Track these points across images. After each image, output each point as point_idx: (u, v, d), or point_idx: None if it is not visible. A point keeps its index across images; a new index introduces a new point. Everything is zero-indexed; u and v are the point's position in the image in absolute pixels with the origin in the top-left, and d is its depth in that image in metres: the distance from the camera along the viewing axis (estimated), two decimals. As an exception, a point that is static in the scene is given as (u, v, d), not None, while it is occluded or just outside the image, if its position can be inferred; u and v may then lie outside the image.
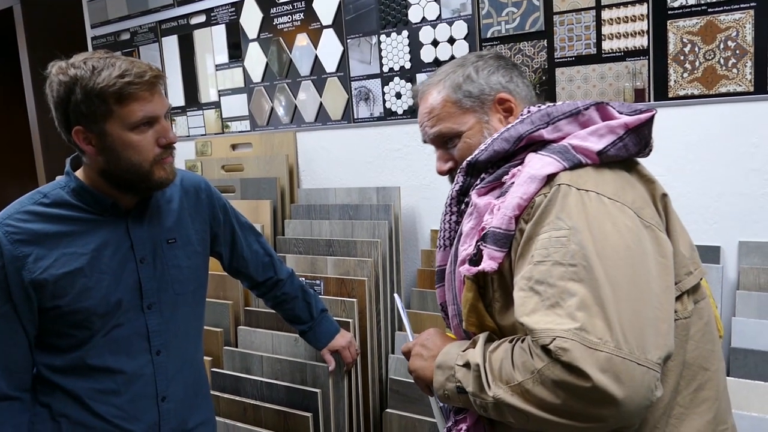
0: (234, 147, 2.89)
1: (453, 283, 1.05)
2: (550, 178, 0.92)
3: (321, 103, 2.58)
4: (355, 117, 2.50)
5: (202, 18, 2.91)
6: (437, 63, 2.27)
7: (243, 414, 2.05)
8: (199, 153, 2.98)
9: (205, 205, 1.56)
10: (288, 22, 2.61)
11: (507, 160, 1.01)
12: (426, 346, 1.09)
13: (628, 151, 0.97)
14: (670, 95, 1.89)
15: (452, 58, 2.23)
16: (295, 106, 2.66)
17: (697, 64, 1.84)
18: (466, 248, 0.99)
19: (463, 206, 1.06)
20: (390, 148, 2.44)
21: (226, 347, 2.26)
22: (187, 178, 1.54)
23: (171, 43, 3.06)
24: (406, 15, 2.31)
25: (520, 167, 0.98)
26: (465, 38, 2.20)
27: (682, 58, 1.86)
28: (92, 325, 1.31)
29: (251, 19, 2.73)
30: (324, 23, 2.51)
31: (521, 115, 1.04)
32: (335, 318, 2.08)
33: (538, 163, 0.94)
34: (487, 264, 0.93)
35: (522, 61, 2.10)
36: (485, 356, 0.92)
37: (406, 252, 2.42)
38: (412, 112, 2.36)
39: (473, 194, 1.01)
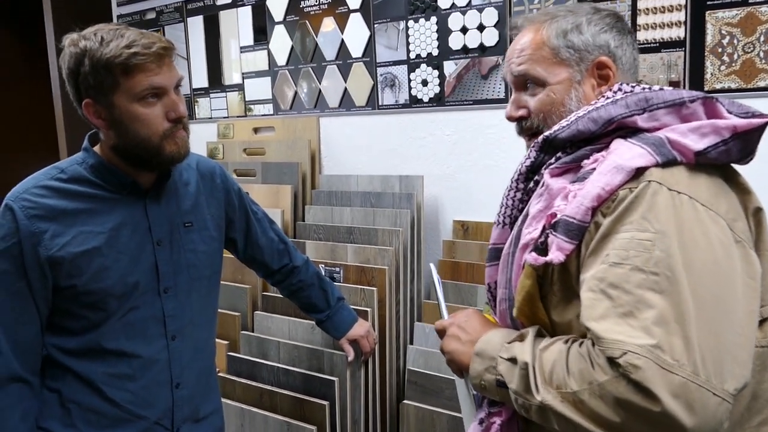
0: (256, 130, 2.87)
1: (509, 266, 0.98)
2: (638, 172, 0.84)
3: (345, 89, 2.55)
4: (380, 103, 2.47)
5: (228, -1, 2.89)
6: (465, 51, 2.22)
7: (259, 399, 2.04)
8: (221, 135, 2.96)
9: (221, 189, 1.53)
10: (315, 5, 2.58)
11: (589, 141, 0.93)
12: (464, 328, 1.03)
13: (730, 157, 0.87)
14: (706, 88, 1.83)
15: (481, 45, 2.19)
16: (320, 90, 2.63)
17: (735, 56, 1.78)
18: (530, 231, 0.91)
19: (531, 184, 0.98)
20: (414, 136, 2.41)
21: (243, 332, 2.25)
22: (203, 162, 1.52)
23: (196, 24, 3.04)
24: (435, 1, 2.26)
25: (604, 153, 0.89)
26: (495, 26, 2.15)
27: (719, 50, 1.80)
28: (108, 307, 1.29)
29: (278, 1, 2.69)
30: (351, 7, 2.47)
31: (613, 91, 0.96)
32: (354, 306, 2.05)
33: (627, 153, 0.85)
34: (555, 255, 0.85)
35: (553, 50, 2.05)
36: (535, 354, 0.86)
37: (427, 242, 2.39)
38: (438, 100, 2.32)
39: (546, 173, 0.93)
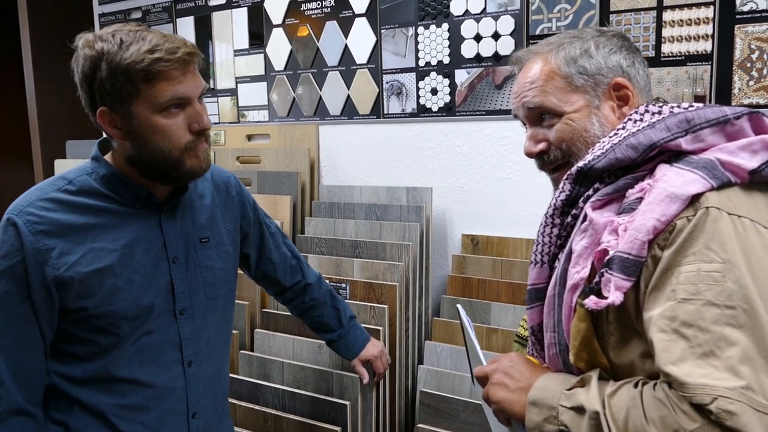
0: (250, 137, 2.74)
1: (555, 308, 0.91)
2: (693, 199, 0.79)
3: (348, 96, 2.45)
4: (386, 112, 2.37)
5: (222, 0, 2.76)
6: (479, 59, 2.15)
7: (263, 425, 1.91)
8: (212, 143, 2.82)
9: (236, 201, 1.43)
10: (317, 8, 2.48)
11: (627, 169, 0.88)
12: (510, 374, 0.96)
13: None
14: (733, 103, 1.79)
15: (496, 54, 2.12)
16: (320, 97, 2.52)
17: (764, 72, 1.74)
18: (578, 271, 0.86)
19: (569, 219, 0.92)
20: (421, 147, 2.32)
21: (242, 351, 2.12)
22: (217, 172, 1.42)
23: (186, 25, 2.90)
24: (448, 7, 2.18)
25: (648, 180, 0.84)
26: (511, 34, 2.08)
27: (748, 65, 1.76)
28: (120, 331, 1.17)
29: (277, 3, 2.58)
30: (357, 12, 2.38)
31: (640, 114, 0.91)
32: (364, 325, 1.95)
33: (677, 180, 0.80)
34: (616, 296, 0.79)
35: (572, 61, 1.99)
36: (604, 401, 0.79)
37: (434, 257, 2.30)
38: (448, 110, 2.24)
39: (587, 207, 0.88)
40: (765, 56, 1.74)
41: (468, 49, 2.16)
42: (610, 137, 0.90)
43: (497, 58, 2.11)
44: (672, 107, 0.90)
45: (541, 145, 1.00)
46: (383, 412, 2.00)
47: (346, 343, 1.74)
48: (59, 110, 3.57)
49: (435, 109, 2.27)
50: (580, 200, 0.91)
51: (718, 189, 0.79)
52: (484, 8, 2.11)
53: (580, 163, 0.90)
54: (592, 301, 0.81)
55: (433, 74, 2.25)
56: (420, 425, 1.88)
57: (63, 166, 2.96)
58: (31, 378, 1.15)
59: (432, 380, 1.98)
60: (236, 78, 2.78)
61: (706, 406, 0.70)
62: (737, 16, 1.76)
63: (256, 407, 1.94)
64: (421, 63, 2.27)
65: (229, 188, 1.42)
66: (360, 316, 2.03)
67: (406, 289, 2.10)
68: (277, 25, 2.60)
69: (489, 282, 2.11)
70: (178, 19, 2.93)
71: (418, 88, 2.29)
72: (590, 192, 0.90)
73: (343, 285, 2.14)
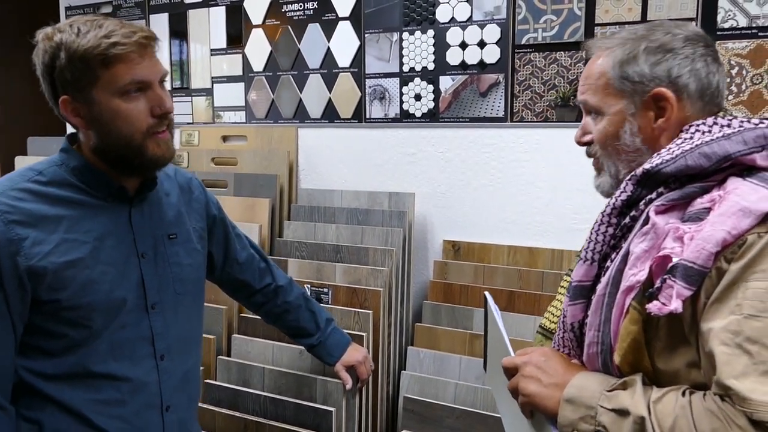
0: (225, 139, 2.69)
1: (604, 308, 0.90)
2: (766, 216, 0.79)
3: (330, 99, 2.43)
4: (368, 116, 2.36)
5: (198, -2, 2.71)
6: (464, 66, 2.16)
7: (243, 431, 1.86)
8: (185, 143, 2.76)
9: (201, 201, 1.43)
10: (299, 10, 2.45)
11: (695, 177, 0.87)
12: (544, 369, 0.95)
13: None
14: (712, 118, 1.84)
15: (481, 62, 2.13)
16: (300, 100, 2.50)
17: (743, 87, 1.81)
18: (635, 273, 0.84)
19: (627, 220, 0.91)
20: (403, 152, 2.32)
21: (219, 356, 2.06)
22: (179, 173, 1.42)
23: (160, 22, 2.83)
24: (434, 14, 2.19)
25: (720, 192, 0.83)
26: (497, 43, 2.10)
27: (728, 80, 1.82)
28: (92, 324, 1.16)
29: (257, 3, 2.55)
30: (340, 15, 2.37)
31: (708, 125, 0.90)
32: (347, 331, 1.93)
33: (752, 194, 0.80)
34: (677, 304, 0.78)
35: (557, 71, 2.03)
36: (649, 407, 0.80)
37: (416, 263, 2.29)
38: (431, 116, 2.24)
39: (651, 211, 0.87)
40: (744, 72, 1.80)
41: (453, 56, 2.18)
42: (679, 144, 0.89)
43: (482, 66, 2.13)
44: (742, 121, 0.89)
45: (586, 137, 1.03)
46: (366, 418, 1.98)
47: (327, 348, 1.71)
48: (21, 107, 3.43)
49: (418, 114, 2.27)
50: (641, 202, 0.90)
51: None
52: (470, 16, 2.13)
53: (647, 166, 0.89)
54: (656, 307, 0.80)
55: (417, 80, 2.25)
56: (405, 431, 1.87)
57: (24, 163, 2.84)
58: (3, 372, 1.12)
59: (415, 386, 1.97)
60: (212, 78, 2.72)
61: (767, 423, 0.71)
62: (718, 33, 1.82)
63: (237, 414, 1.89)
64: (405, 68, 2.27)
65: (192, 188, 1.42)
66: (343, 322, 2.01)
67: (389, 295, 2.09)
68: (257, 26, 2.56)
69: (471, 288, 2.11)
70: (151, 15, 2.85)
71: (401, 94, 2.29)
72: (653, 195, 0.88)
73: (325, 290, 2.11)
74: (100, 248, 1.17)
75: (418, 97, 2.26)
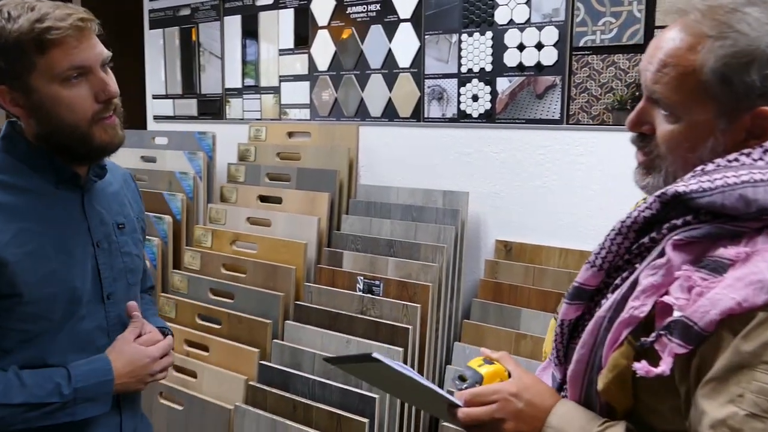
0: (291, 135, 2.81)
1: (602, 331, 0.84)
2: None
3: (390, 99, 2.50)
4: (426, 116, 2.42)
5: (269, 0, 2.84)
6: (521, 68, 2.19)
7: (292, 412, 1.97)
8: (253, 138, 2.90)
9: (136, 194, 1.40)
10: (363, 12, 2.54)
11: (729, 217, 0.77)
12: (526, 400, 0.89)
13: None
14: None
15: (538, 64, 2.15)
16: (362, 99, 2.58)
17: None
18: (637, 306, 0.79)
19: (646, 239, 0.83)
20: (460, 152, 2.36)
21: (275, 340, 2.17)
22: (115, 165, 1.37)
23: (233, 23, 2.99)
24: (492, 15, 2.22)
25: (748, 249, 0.74)
26: (555, 45, 2.11)
27: None
28: (53, 316, 1.12)
29: (323, 5, 2.65)
30: (402, 17, 2.43)
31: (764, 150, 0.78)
32: (394, 323, 2.01)
33: None
34: (666, 365, 0.74)
35: (615, 74, 2.02)
36: None
37: (467, 261, 2.33)
38: (488, 117, 2.27)
39: (668, 246, 0.78)
40: None
41: (511, 58, 2.20)
42: (727, 166, 0.78)
43: (540, 68, 2.15)
44: None
45: (645, 128, 0.88)
46: (408, 408, 2.04)
47: None
48: None
49: (475, 115, 2.31)
50: (665, 225, 0.81)
51: None
52: (529, 18, 2.15)
53: (680, 188, 0.78)
54: (642, 369, 0.76)
55: (474, 81, 2.29)
56: (446, 424, 1.92)
57: None
58: None
59: (459, 380, 2.01)
60: (280, 76, 2.85)
61: None
62: None
63: (287, 394, 1.99)
64: (464, 69, 2.31)
65: (128, 180, 1.39)
66: (392, 314, 2.08)
67: (438, 290, 2.14)
68: (323, 27, 2.66)
69: (521, 288, 2.13)
70: (225, 17, 3.01)
71: (459, 94, 2.33)
72: (678, 222, 0.79)
73: (377, 282, 2.19)
74: (58, 237, 1.13)
75: (475, 98, 2.30)
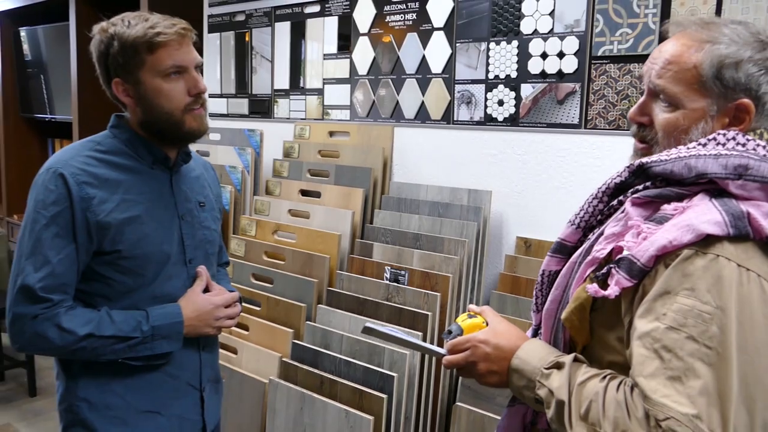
0: (332, 134, 3.02)
1: (573, 273, 1.02)
2: (709, 239, 0.86)
3: (423, 102, 2.67)
4: (455, 119, 2.58)
5: (316, 8, 3.05)
6: (543, 75, 2.32)
7: (320, 386, 2.16)
8: (297, 136, 3.12)
9: (216, 181, 1.67)
10: (400, 20, 2.71)
11: (678, 181, 0.94)
12: (490, 359, 1.07)
13: None
14: None
15: (560, 72, 2.28)
16: (397, 101, 2.76)
17: None
18: (599, 250, 0.96)
19: (615, 202, 1.01)
20: (486, 153, 2.51)
21: (308, 322, 2.38)
22: (198, 156, 1.63)
23: (283, 29, 3.21)
24: (518, 26, 2.36)
25: (685, 204, 0.92)
26: (575, 54, 2.24)
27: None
28: (146, 272, 1.38)
29: (364, 14, 2.84)
30: (435, 25, 2.60)
31: (726, 138, 0.95)
32: (415, 309, 2.17)
33: (704, 214, 0.88)
34: (613, 290, 0.91)
35: (630, 82, 2.13)
36: (571, 390, 0.93)
37: (489, 255, 2.48)
38: (512, 120, 2.42)
39: (628, 202, 0.97)
40: None
41: (534, 66, 2.34)
42: (688, 148, 0.96)
43: (561, 76, 2.28)
44: (758, 144, 0.94)
45: (644, 119, 1.04)
46: (426, 388, 2.21)
47: None
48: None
49: (500, 119, 2.45)
50: (630, 190, 0.98)
51: (734, 238, 0.86)
52: (552, 29, 2.28)
53: (644, 159, 0.97)
54: (593, 289, 0.93)
55: (500, 87, 2.44)
56: (459, 404, 2.08)
57: None
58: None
59: (474, 365, 2.17)
60: (324, 79, 3.06)
61: (659, 421, 0.82)
62: None
63: (316, 371, 2.20)
64: (491, 76, 2.46)
65: (208, 169, 1.66)
66: (413, 301, 2.25)
67: (459, 281, 2.30)
68: (364, 34, 2.86)
69: (536, 281, 2.27)
70: (276, 23, 3.24)
71: (486, 99, 2.48)
72: (640, 187, 0.97)
73: (402, 272, 2.36)
74: (151, 208, 1.39)
75: (500, 103, 2.44)
